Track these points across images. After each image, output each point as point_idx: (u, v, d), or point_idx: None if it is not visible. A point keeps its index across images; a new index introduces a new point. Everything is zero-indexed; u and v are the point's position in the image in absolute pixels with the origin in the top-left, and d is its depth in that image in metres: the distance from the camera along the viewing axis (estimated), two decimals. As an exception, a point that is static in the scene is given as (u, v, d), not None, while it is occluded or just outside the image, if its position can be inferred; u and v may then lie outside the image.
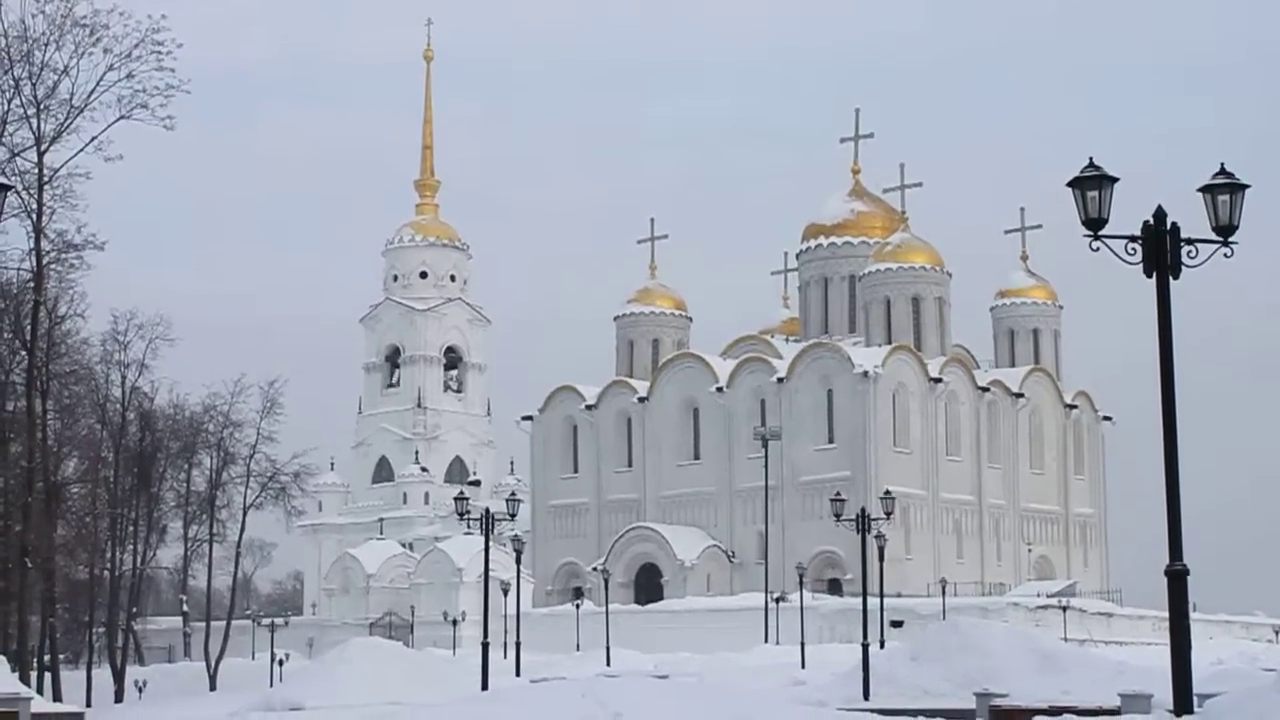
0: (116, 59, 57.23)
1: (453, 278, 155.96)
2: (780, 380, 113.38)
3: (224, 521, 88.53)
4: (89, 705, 65.99)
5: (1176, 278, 20.06)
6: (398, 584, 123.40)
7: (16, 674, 47.68)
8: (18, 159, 57.94)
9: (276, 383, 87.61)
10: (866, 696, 40.34)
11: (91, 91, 57.95)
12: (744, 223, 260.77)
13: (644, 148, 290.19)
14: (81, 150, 58.08)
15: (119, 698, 77.88)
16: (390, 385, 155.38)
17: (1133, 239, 20.04)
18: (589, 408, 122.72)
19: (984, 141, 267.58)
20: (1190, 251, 20.07)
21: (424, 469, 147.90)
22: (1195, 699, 20.38)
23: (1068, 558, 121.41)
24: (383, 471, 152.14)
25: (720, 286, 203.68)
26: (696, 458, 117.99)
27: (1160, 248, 20.01)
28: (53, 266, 60.11)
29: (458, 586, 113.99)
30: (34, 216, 58.15)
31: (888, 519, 58.73)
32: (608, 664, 73.60)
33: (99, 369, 78.19)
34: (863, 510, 52.75)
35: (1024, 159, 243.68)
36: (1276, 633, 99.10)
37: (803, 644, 73.38)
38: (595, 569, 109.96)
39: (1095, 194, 19.87)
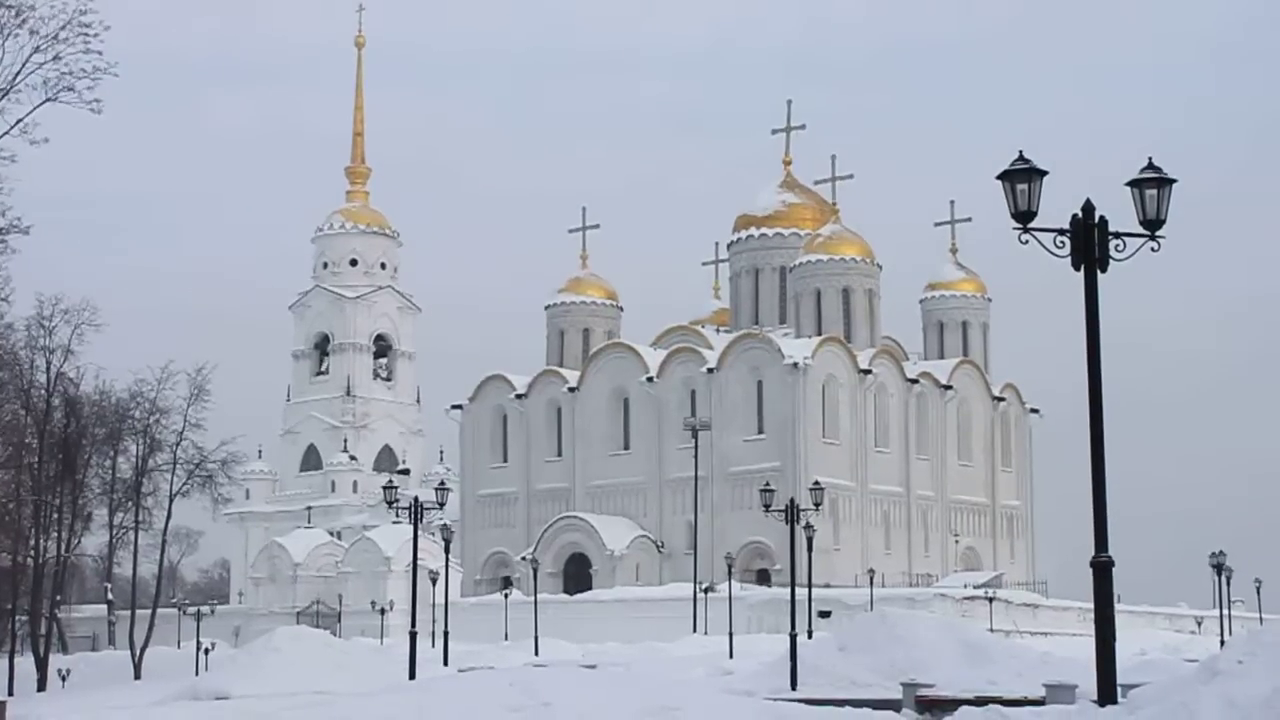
0: (43, 40, 56.29)
1: (383, 265, 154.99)
2: (710, 371, 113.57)
3: (150, 509, 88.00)
4: (11, 694, 65.29)
5: (1104, 271, 20.14)
6: (325, 573, 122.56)
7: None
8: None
9: (204, 369, 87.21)
10: (794, 686, 40.39)
11: (17, 74, 57.11)
12: (676, 213, 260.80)
13: (577, 137, 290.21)
14: (6, 133, 57.34)
15: (42, 686, 77.18)
16: (319, 373, 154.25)
17: (1061, 232, 20.08)
18: (519, 397, 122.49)
19: (915, 134, 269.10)
20: (1118, 245, 20.15)
21: (353, 457, 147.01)
22: (1119, 689, 20.49)
23: (994, 549, 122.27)
24: (311, 460, 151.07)
25: (651, 276, 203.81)
26: (626, 448, 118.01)
27: (1088, 241, 20.07)
28: (-25, 250, 59.37)
29: (386, 576, 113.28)
30: (-44, 200, 57.41)
31: (816, 510, 58.86)
32: (536, 654, 73.60)
33: (23, 354, 77.62)
34: (792, 501, 52.89)
35: (955, 152, 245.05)
36: (1199, 624, 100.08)
37: (731, 634, 73.68)
38: (524, 558, 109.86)
39: (1025, 187, 19.89)
